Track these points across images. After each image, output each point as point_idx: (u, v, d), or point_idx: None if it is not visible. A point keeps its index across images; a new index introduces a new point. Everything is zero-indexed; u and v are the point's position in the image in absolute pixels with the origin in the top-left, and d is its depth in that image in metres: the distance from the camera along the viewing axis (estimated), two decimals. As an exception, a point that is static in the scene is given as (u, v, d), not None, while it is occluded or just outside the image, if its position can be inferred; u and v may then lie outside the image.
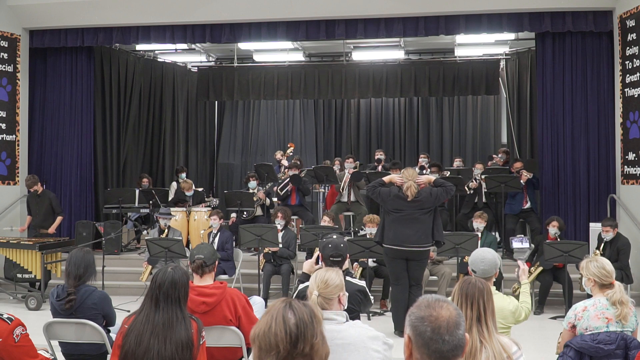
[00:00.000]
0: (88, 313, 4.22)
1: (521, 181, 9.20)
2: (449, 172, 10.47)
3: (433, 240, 6.60)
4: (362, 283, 4.13)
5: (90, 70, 10.69)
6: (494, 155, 11.83)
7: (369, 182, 9.81)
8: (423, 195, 6.49)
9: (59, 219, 9.41)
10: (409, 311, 1.95)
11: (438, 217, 6.64)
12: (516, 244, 4.73)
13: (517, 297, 4.17)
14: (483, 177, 9.53)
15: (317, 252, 4.33)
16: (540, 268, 7.84)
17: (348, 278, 4.04)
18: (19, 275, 8.43)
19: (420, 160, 11.17)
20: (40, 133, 10.62)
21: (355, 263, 7.75)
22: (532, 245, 7.72)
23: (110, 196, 10.23)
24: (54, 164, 10.56)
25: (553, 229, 8.03)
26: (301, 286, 3.89)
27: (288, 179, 9.92)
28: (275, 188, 10.23)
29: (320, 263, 4.07)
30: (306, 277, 4.16)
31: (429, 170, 10.04)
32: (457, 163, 11.51)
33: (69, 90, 10.57)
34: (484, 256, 3.97)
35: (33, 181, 9.28)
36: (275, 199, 10.23)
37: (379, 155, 11.13)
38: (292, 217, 9.74)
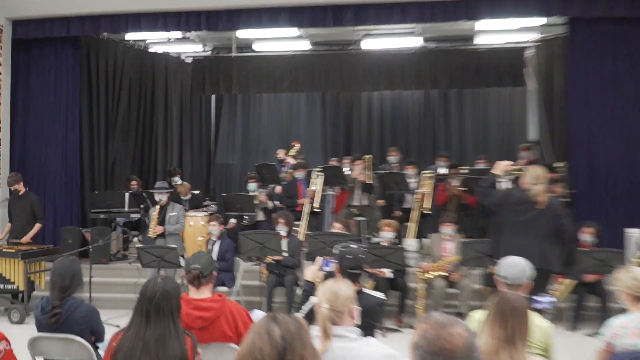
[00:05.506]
0: (75, 328, 4.23)
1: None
2: (469, 172, 10.41)
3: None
4: (382, 296, 4.13)
5: (76, 62, 10.75)
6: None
7: (383, 187, 9.84)
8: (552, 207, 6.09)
9: (37, 226, 9.21)
10: (415, 339, 1.88)
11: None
12: (540, 305, 4.74)
13: None
14: (507, 178, 9.46)
15: (319, 259, 4.33)
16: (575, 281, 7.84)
17: (367, 290, 4.04)
18: (0, 286, 8.46)
19: (436, 162, 11.05)
20: (23, 131, 10.67)
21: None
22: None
23: (97, 200, 10.25)
24: (38, 165, 10.60)
25: (587, 236, 7.99)
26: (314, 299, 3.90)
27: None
28: (276, 190, 10.23)
29: (335, 273, 4.07)
30: (310, 285, 4.15)
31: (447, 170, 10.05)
32: (481, 165, 11.31)
33: (54, 84, 10.63)
34: (514, 261, 3.96)
35: (15, 179, 9.16)
36: (278, 203, 10.23)
37: (392, 156, 11.04)
38: (296, 222, 9.75)
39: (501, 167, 6.30)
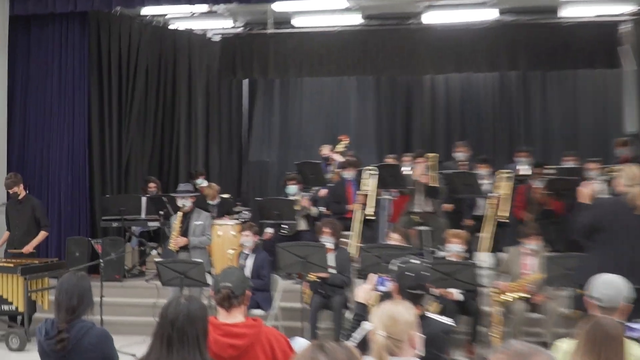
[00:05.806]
0: (84, 356, 4.29)
1: None
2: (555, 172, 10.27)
3: None
4: (450, 321, 4.11)
5: (84, 42, 10.91)
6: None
7: (450, 189, 9.76)
8: None
9: (42, 234, 9.36)
10: None
11: None
12: (636, 333, 4.66)
13: None
14: (602, 179, 9.33)
15: (372, 277, 4.33)
16: None
17: (431, 315, 4.03)
18: (-4, 307, 8.64)
19: (515, 159, 10.90)
20: (22, 124, 10.89)
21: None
22: None
23: (109, 205, 10.39)
24: (39, 163, 10.80)
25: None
26: (368, 325, 3.91)
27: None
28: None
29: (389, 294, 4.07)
30: (363, 308, 4.16)
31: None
32: (569, 163, 11.12)
33: (58, 68, 10.81)
34: (609, 279, 3.92)
35: (14, 180, 9.26)
36: (323, 208, 10.24)
37: (461, 152, 10.95)
38: (345, 232, 9.74)
39: (585, 195, 6.22)
